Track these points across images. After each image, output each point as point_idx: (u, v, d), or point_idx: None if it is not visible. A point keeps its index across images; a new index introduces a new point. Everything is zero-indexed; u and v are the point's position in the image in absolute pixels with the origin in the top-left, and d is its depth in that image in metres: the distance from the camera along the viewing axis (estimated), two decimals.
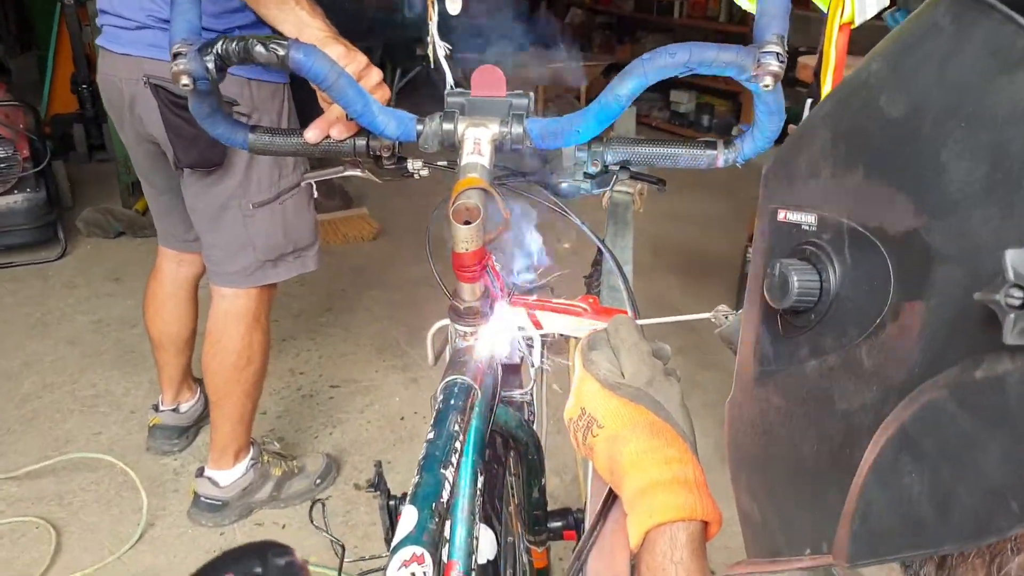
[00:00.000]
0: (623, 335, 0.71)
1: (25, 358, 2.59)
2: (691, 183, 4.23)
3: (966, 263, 0.38)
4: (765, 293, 0.50)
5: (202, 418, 2.19)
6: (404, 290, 3.14)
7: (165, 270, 1.97)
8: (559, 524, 1.04)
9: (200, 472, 1.91)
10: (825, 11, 0.69)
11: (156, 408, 2.16)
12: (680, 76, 0.71)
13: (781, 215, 0.52)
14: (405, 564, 0.56)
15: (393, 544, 0.58)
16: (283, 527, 1.93)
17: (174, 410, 2.15)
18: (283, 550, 0.33)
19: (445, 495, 0.62)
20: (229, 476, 1.88)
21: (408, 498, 0.62)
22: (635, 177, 0.91)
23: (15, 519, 1.91)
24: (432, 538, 0.58)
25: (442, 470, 0.64)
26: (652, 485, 0.59)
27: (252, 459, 1.92)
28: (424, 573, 0.56)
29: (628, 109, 1.48)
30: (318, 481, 2.02)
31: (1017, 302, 0.32)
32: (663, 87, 5.74)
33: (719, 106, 5.72)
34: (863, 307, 0.44)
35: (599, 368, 0.68)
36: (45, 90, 4.29)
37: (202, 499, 1.89)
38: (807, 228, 0.50)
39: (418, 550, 0.57)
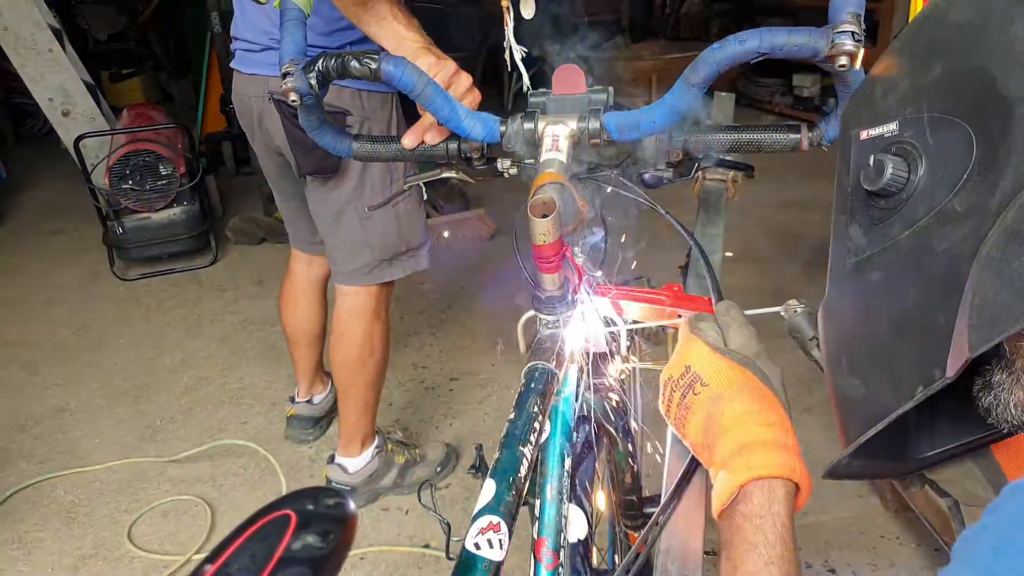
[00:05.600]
0: (733, 314, 0.75)
1: (184, 355, 2.90)
2: (814, 170, 4.02)
3: None
4: (862, 181, 0.58)
5: (333, 409, 2.35)
6: (517, 286, 3.20)
7: (297, 271, 2.14)
8: (654, 509, 1.04)
9: (331, 459, 2.06)
10: None
11: (292, 400, 2.35)
12: (753, 61, 0.71)
13: (863, 135, 0.60)
14: (482, 531, 0.61)
15: (473, 513, 0.63)
16: (406, 512, 2.05)
17: (308, 401, 2.33)
18: (334, 493, 0.38)
19: (523, 470, 0.66)
20: (356, 463, 2.02)
21: (489, 472, 0.66)
22: (720, 164, 0.91)
23: (178, 497, 2.15)
24: (508, 509, 0.63)
25: (521, 447, 0.68)
26: (754, 443, 0.62)
27: (377, 447, 2.04)
28: (499, 540, 0.60)
29: (726, 95, 1.47)
30: (439, 469, 2.13)
31: None
32: (785, 72, 5.49)
33: None
34: (949, 171, 0.52)
35: (707, 334, 0.71)
36: (199, 111, 4.74)
37: (333, 484, 2.04)
38: (889, 135, 0.58)
39: (495, 519, 0.62)
